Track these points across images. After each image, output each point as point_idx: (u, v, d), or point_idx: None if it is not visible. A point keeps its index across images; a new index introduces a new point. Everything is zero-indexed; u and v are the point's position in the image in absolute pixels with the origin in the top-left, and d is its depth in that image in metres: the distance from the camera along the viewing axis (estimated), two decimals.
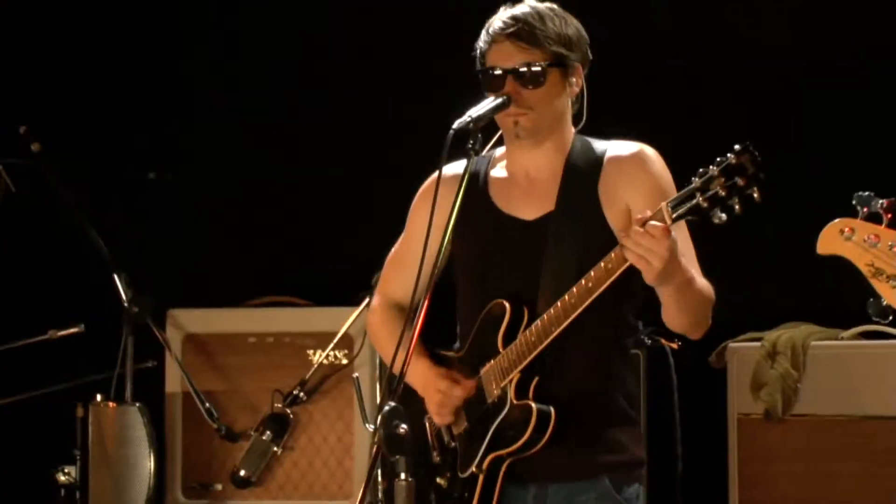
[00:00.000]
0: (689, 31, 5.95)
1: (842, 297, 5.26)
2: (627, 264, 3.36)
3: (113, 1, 6.63)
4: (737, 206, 3.18)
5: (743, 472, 5.31)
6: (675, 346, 5.36)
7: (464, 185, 3.49)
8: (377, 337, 3.97)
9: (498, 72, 3.60)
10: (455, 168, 3.64)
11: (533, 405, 3.56)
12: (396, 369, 3.48)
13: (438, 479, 3.76)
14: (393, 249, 3.97)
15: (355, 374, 5.31)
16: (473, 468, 3.64)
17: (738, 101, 5.84)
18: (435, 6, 6.17)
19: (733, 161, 3.17)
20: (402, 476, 3.33)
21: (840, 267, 4.01)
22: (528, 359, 3.56)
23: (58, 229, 6.13)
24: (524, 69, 3.59)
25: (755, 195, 3.17)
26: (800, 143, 5.78)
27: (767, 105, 5.78)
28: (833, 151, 5.77)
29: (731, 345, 5.39)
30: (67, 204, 5.76)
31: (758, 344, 5.36)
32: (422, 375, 3.74)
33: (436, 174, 3.59)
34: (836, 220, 3.67)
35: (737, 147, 3.17)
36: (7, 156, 5.92)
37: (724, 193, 3.17)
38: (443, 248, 3.45)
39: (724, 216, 3.19)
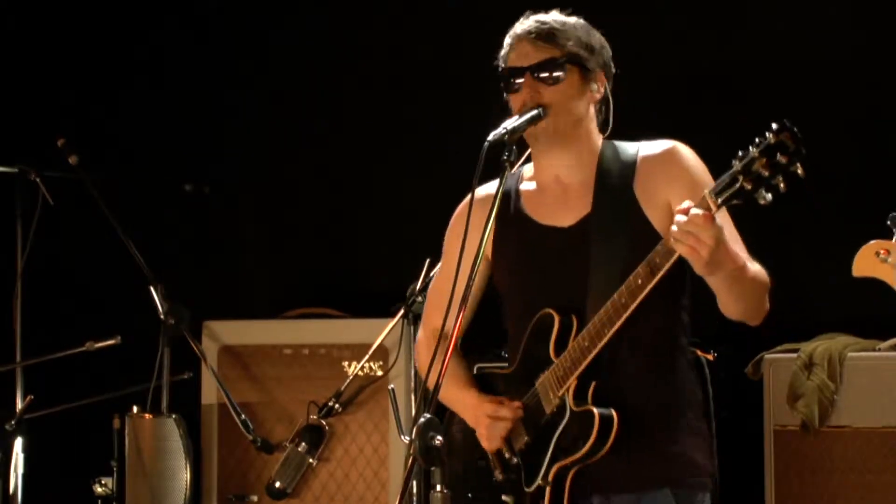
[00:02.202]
0: (726, 41, 5.94)
1: (879, 309, 5.25)
2: (675, 256, 3.33)
3: (148, 15, 6.66)
4: (781, 185, 3.12)
5: (780, 483, 5.29)
6: (710, 356, 5.33)
7: (496, 205, 3.47)
8: (421, 366, 3.97)
9: (516, 70, 3.62)
10: (486, 189, 3.64)
11: (595, 410, 3.52)
12: (441, 397, 3.51)
13: (504, 497, 3.71)
14: (433, 281, 3.98)
15: (391, 386, 5.31)
16: (540, 480, 3.61)
17: (775, 111, 5.82)
18: (474, 23, 6.18)
19: (772, 140, 3.12)
20: (438, 487, 3.33)
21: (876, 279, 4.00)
22: (584, 364, 3.53)
23: (95, 241, 6.16)
24: (540, 65, 3.60)
25: (799, 171, 3.11)
26: (837, 155, 5.75)
27: (804, 114, 5.75)
28: (870, 163, 5.74)
29: (768, 356, 5.37)
30: (104, 216, 5.79)
31: (794, 355, 5.34)
32: (470, 406, 3.75)
33: (467, 198, 3.60)
34: (872, 243, 3.65)
35: (774, 125, 3.13)
36: (45, 168, 5.96)
37: (767, 173, 3.12)
38: (475, 271, 3.41)
39: (769, 196, 3.14)
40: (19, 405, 5.80)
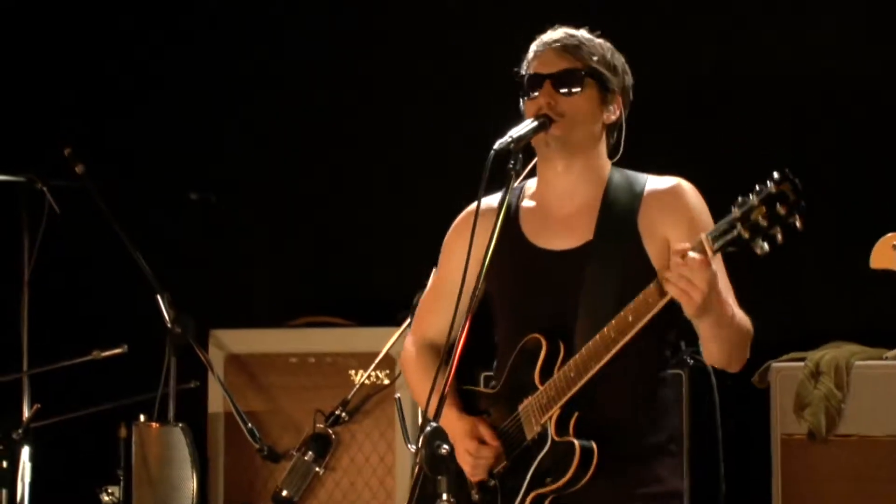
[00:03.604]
0: (729, 58, 5.94)
1: (885, 317, 5.25)
2: (667, 298, 3.34)
3: (154, 23, 6.68)
4: (779, 236, 3.12)
5: (787, 492, 5.28)
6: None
7: (500, 220, 3.48)
8: (410, 378, 3.95)
9: (536, 77, 3.62)
10: (489, 202, 3.63)
11: (576, 442, 3.53)
12: (429, 413, 3.50)
13: None
14: (426, 289, 3.98)
15: (397, 395, 5.30)
16: None
17: (778, 120, 5.82)
18: (473, 34, 6.19)
19: (773, 190, 3.11)
20: (444, 497, 3.32)
21: (883, 286, 4.00)
22: (568, 395, 3.53)
23: (101, 250, 6.17)
24: (561, 74, 3.61)
25: (798, 223, 3.11)
26: (842, 162, 5.75)
27: (808, 123, 5.76)
28: (877, 170, 5.74)
29: (774, 364, 5.37)
30: (111, 225, 5.80)
31: (801, 364, 5.33)
32: (451, 428, 3.71)
33: (468, 208, 3.60)
34: (888, 235, 3.66)
35: (776, 175, 3.12)
36: (51, 177, 5.96)
37: (765, 223, 3.12)
38: (477, 288, 3.42)
39: (766, 246, 3.14)
40: (26, 414, 5.81)
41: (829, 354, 5.31)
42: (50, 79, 6.68)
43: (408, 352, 3.94)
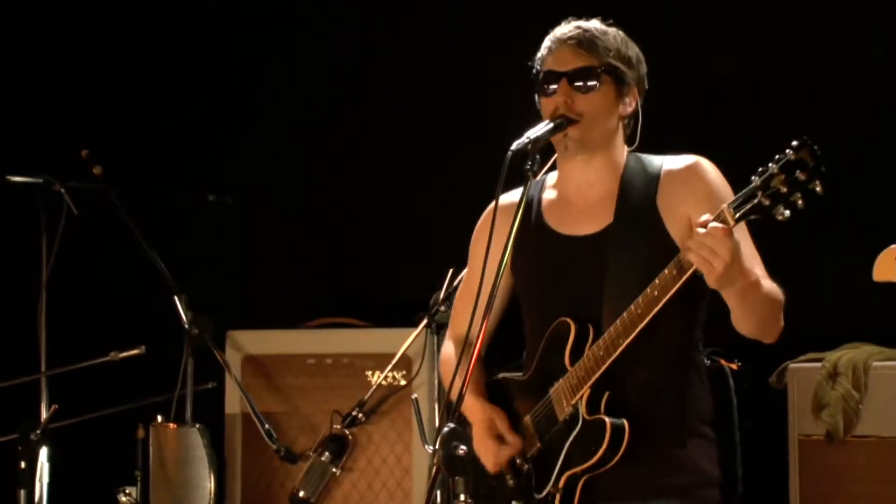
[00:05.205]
0: (742, 56, 5.93)
1: None
2: (692, 270, 3.35)
3: (170, 25, 6.69)
4: (799, 202, 3.15)
5: (804, 493, 5.28)
6: (734, 366, 5.32)
7: (520, 213, 3.49)
8: (445, 373, 4.01)
9: (552, 74, 3.62)
10: (511, 197, 3.66)
11: (606, 419, 3.55)
12: (453, 394, 3.53)
13: (514, 503, 3.75)
14: (458, 289, 4.03)
15: (414, 395, 5.31)
16: (550, 487, 3.63)
17: (798, 122, 5.81)
18: (488, 33, 6.19)
19: (792, 157, 3.15)
20: (462, 497, 3.33)
21: None
22: (598, 373, 3.55)
23: (119, 251, 6.18)
24: (578, 72, 3.61)
25: (818, 188, 3.14)
26: (858, 163, 5.74)
27: (822, 123, 5.75)
28: (892, 171, 5.73)
29: (792, 365, 5.36)
30: (129, 226, 5.81)
31: (818, 365, 5.33)
32: (472, 417, 3.78)
33: (492, 205, 3.62)
34: (892, 247, 3.65)
35: (794, 143, 3.15)
36: (69, 179, 5.98)
37: (785, 190, 3.14)
38: (499, 278, 3.44)
39: (787, 213, 3.16)
40: (44, 415, 5.82)
41: (846, 355, 5.30)
42: (66, 81, 6.70)
43: (445, 352, 4.01)
